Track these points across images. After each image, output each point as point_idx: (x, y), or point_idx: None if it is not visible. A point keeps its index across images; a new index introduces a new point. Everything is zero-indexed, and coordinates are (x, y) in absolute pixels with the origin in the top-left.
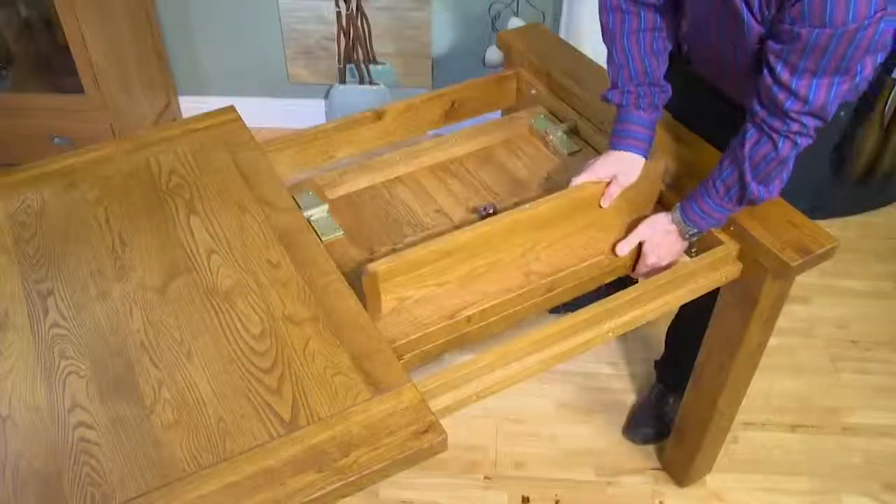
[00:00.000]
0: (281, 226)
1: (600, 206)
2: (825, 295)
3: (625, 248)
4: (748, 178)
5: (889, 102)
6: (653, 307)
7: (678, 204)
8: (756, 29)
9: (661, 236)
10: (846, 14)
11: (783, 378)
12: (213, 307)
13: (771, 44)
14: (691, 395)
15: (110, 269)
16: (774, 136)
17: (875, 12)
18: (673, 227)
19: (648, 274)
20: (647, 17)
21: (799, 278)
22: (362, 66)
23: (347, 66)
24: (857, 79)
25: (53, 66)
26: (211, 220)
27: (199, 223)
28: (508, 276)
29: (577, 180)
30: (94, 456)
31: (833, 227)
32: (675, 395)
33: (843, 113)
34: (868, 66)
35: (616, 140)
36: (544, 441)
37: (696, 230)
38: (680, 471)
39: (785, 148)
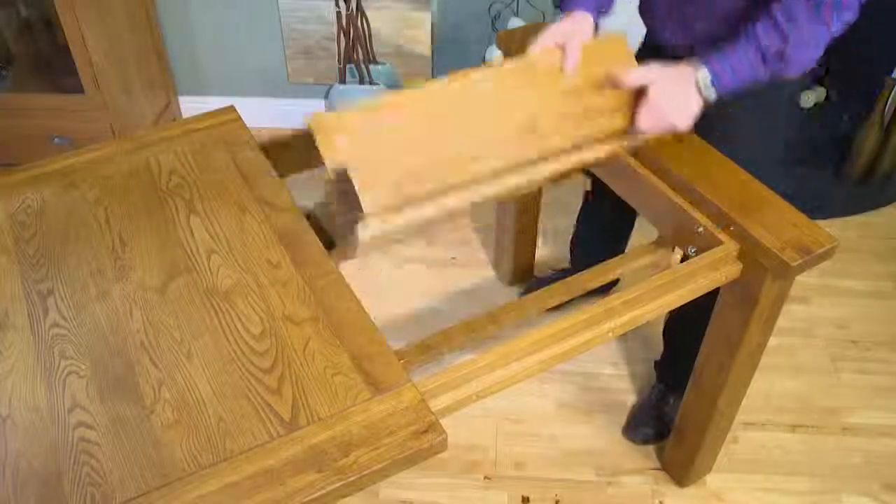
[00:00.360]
0: (281, 226)
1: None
2: (825, 295)
3: (629, 78)
4: (786, 30)
5: (889, 102)
6: (653, 307)
7: (700, 59)
8: None
9: (674, 82)
10: None
11: (783, 378)
12: (213, 307)
13: None
14: (691, 395)
15: (110, 269)
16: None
17: None
18: (691, 75)
19: (645, 131)
20: None
21: (799, 278)
22: (362, 66)
23: (347, 66)
24: None
25: (53, 66)
26: (211, 220)
27: (199, 223)
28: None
29: (534, 47)
30: (94, 456)
31: (833, 227)
32: (676, 395)
33: (846, 117)
34: None
35: (563, 6)
36: (544, 441)
37: (716, 86)
38: (680, 471)
39: (825, 12)
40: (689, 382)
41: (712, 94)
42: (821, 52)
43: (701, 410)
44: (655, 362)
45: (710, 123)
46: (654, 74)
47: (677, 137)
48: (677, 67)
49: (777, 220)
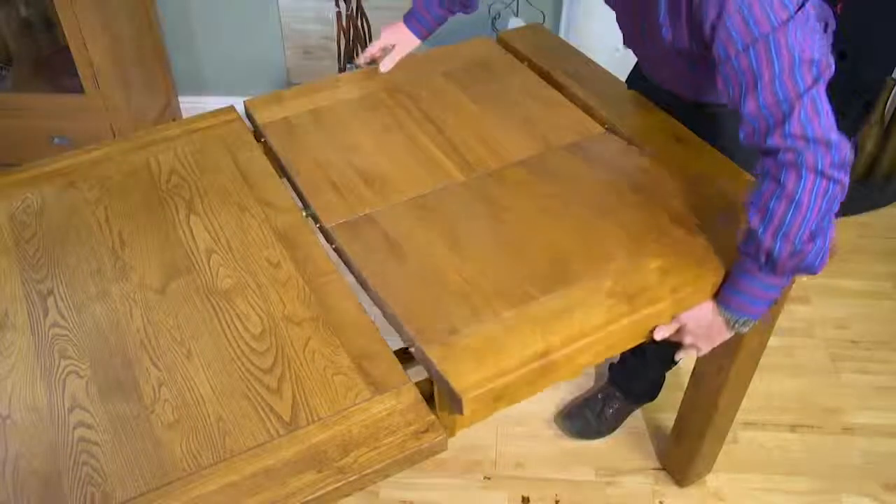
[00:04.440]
0: (281, 225)
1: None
2: (825, 295)
3: (661, 332)
4: (757, 226)
5: (889, 102)
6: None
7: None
8: (669, 35)
9: (705, 327)
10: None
11: (783, 378)
12: (212, 307)
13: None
14: (691, 395)
15: (110, 269)
16: (773, 171)
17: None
18: (719, 318)
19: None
20: None
21: (799, 278)
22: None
23: (347, 66)
24: (817, 66)
25: (53, 66)
26: (211, 220)
27: (198, 223)
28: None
29: (370, 50)
30: (93, 456)
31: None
32: (621, 402)
33: (846, 117)
34: (816, 46)
35: (405, 15)
36: (544, 441)
37: (745, 318)
38: (680, 470)
39: (789, 181)
40: (688, 382)
41: (748, 324)
42: (824, 242)
43: (701, 410)
44: (610, 364)
45: (713, 128)
46: (684, 320)
47: (677, 137)
48: (705, 310)
49: None
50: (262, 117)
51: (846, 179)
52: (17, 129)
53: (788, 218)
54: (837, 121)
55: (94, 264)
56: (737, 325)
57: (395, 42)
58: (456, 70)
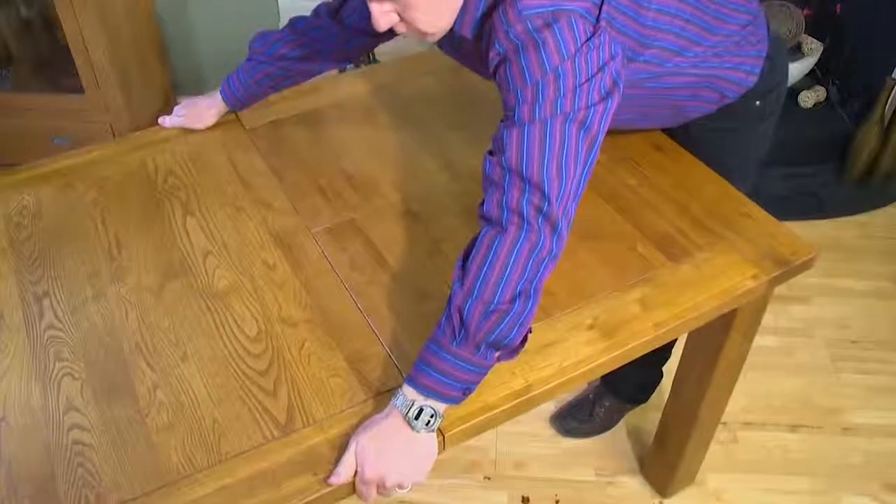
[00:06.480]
0: (277, 227)
1: None
2: (825, 295)
3: (337, 476)
4: (454, 280)
5: (889, 102)
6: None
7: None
8: None
9: (374, 438)
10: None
11: (783, 378)
12: (208, 309)
13: None
14: (671, 405)
15: (106, 271)
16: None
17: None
18: (391, 417)
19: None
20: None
21: (799, 278)
22: (362, 65)
23: (347, 66)
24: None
25: (53, 66)
26: (207, 222)
27: (195, 224)
28: None
29: (164, 120)
30: (88, 458)
31: (833, 227)
32: (612, 400)
33: (846, 117)
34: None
35: (222, 86)
36: (544, 441)
37: (427, 405)
38: (662, 481)
39: (491, 228)
40: (669, 393)
41: (432, 418)
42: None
43: (681, 421)
44: None
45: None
46: (351, 445)
47: (656, 145)
48: (372, 418)
49: (755, 231)
50: (249, 121)
51: (555, 242)
52: (17, 129)
53: (478, 269)
54: (837, 121)
55: (90, 266)
56: (415, 415)
57: (182, 118)
58: (444, 70)
